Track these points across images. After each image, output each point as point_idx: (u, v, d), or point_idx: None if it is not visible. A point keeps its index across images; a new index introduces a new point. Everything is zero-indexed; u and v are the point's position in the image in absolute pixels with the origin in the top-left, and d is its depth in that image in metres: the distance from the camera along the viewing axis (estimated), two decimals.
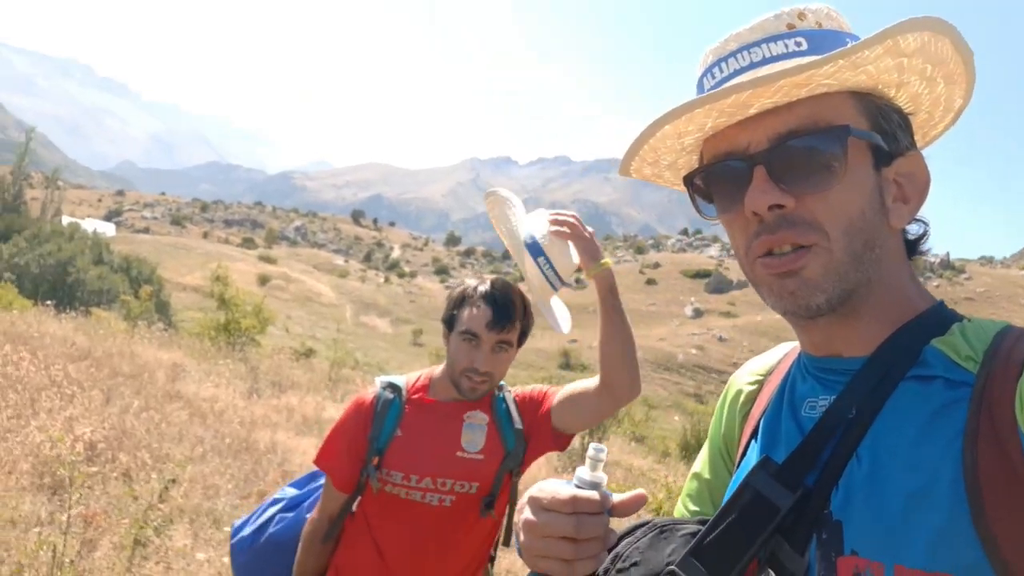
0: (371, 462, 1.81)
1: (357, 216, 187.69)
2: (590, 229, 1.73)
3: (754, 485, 0.71)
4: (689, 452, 13.42)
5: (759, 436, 0.85)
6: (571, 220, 1.70)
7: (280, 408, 9.02)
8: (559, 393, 1.87)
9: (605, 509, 0.77)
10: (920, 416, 0.67)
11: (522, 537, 0.79)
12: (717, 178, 0.78)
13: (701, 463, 1.00)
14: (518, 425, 1.85)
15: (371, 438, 1.82)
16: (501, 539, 1.89)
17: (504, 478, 1.84)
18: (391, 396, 1.86)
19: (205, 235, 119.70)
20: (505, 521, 1.86)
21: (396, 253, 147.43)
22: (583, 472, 0.78)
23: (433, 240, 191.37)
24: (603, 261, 1.69)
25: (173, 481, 4.39)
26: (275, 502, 2.11)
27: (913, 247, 0.80)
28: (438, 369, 1.94)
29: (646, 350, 52.66)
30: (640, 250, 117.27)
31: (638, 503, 0.78)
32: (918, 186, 0.77)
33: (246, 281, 51.26)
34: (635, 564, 0.74)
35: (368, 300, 71.73)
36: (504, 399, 1.90)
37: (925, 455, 0.65)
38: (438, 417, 1.85)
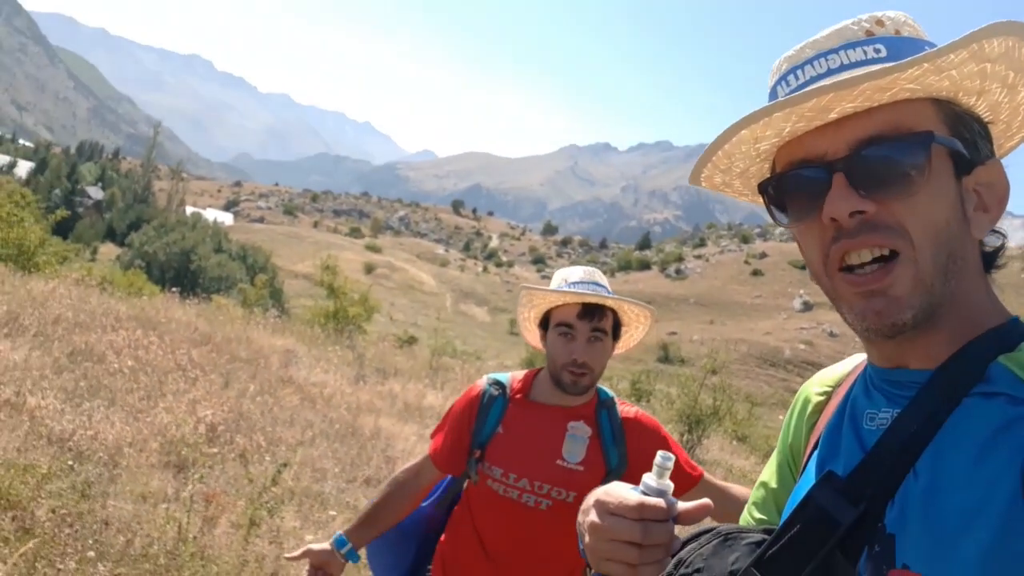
0: (473, 454, 1.86)
1: (457, 206, 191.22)
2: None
3: (817, 499, 0.71)
4: None
5: (819, 447, 0.85)
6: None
7: (384, 394, 9.31)
8: (710, 478, 1.86)
9: (671, 516, 0.78)
10: (981, 433, 0.66)
11: (587, 538, 0.81)
12: (793, 185, 0.76)
13: (768, 472, 0.99)
14: (622, 446, 1.84)
15: (474, 431, 1.86)
16: None
17: None
18: (496, 393, 1.89)
19: (315, 224, 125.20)
20: None
21: (494, 242, 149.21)
22: (650, 479, 0.79)
23: (530, 229, 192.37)
24: None
25: (285, 465, 4.60)
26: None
27: (991, 259, 0.77)
28: (541, 372, 1.94)
29: (751, 344, 50.93)
30: (746, 239, 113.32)
31: (703, 511, 0.79)
32: (998, 195, 0.75)
33: (353, 270, 53.27)
34: (698, 571, 0.74)
35: (467, 289, 73.03)
36: (608, 415, 1.88)
37: (983, 473, 0.64)
38: (540, 420, 1.86)
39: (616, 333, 1.89)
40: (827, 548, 0.69)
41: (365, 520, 1.94)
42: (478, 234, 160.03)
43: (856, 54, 0.73)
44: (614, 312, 1.87)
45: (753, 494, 1.00)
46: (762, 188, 0.81)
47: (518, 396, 1.90)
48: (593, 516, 0.80)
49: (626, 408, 1.93)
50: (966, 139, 0.73)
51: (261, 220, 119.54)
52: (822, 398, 0.92)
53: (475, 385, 1.96)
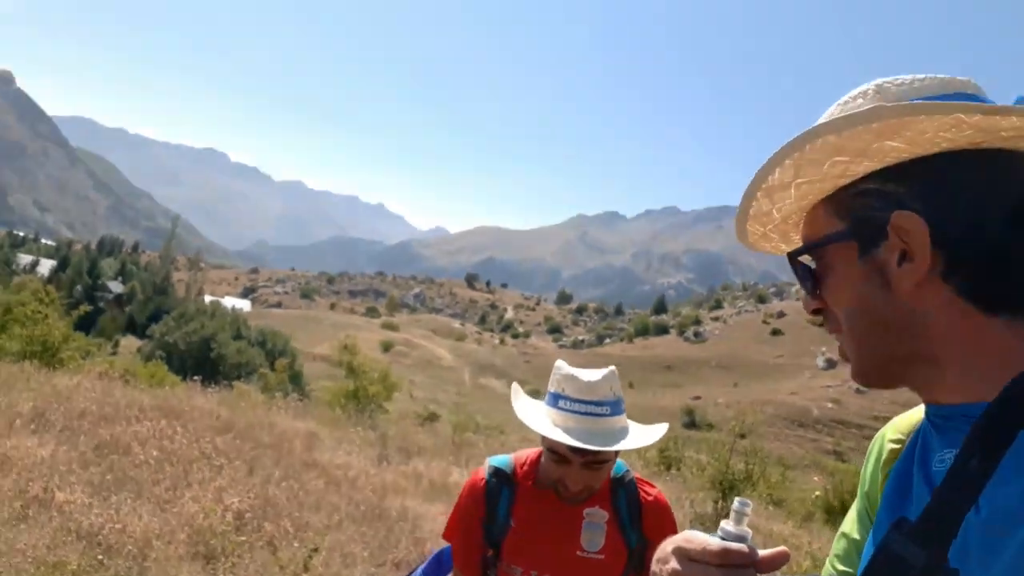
0: (487, 552, 1.74)
1: (471, 280, 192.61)
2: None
3: (890, 546, 0.73)
4: (833, 516, 12.47)
5: (886, 493, 0.87)
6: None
7: (408, 474, 9.17)
8: None
9: (752, 562, 0.77)
10: None
11: None
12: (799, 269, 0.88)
13: (849, 522, 0.99)
14: (639, 524, 1.74)
15: (486, 525, 1.74)
16: None
17: None
18: (500, 482, 1.76)
19: (332, 306, 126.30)
20: None
21: (509, 314, 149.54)
22: (728, 525, 0.79)
23: (544, 299, 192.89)
24: None
25: (316, 550, 4.51)
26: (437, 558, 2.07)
27: (982, 286, 0.73)
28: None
29: (777, 405, 49.97)
30: (762, 299, 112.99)
31: (783, 559, 0.79)
32: (918, 241, 0.74)
33: (370, 348, 53.43)
34: None
35: (485, 362, 72.79)
36: (626, 495, 1.77)
37: None
38: (553, 509, 1.72)
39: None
40: None
41: None
42: (493, 306, 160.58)
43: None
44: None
45: (835, 545, 1.00)
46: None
47: (527, 483, 1.76)
48: (673, 563, 0.79)
49: (646, 489, 1.81)
50: (862, 218, 0.77)
51: (279, 305, 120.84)
52: (897, 446, 0.93)
53: (475, 476, 1.81)
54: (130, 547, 4.48)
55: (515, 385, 1.85)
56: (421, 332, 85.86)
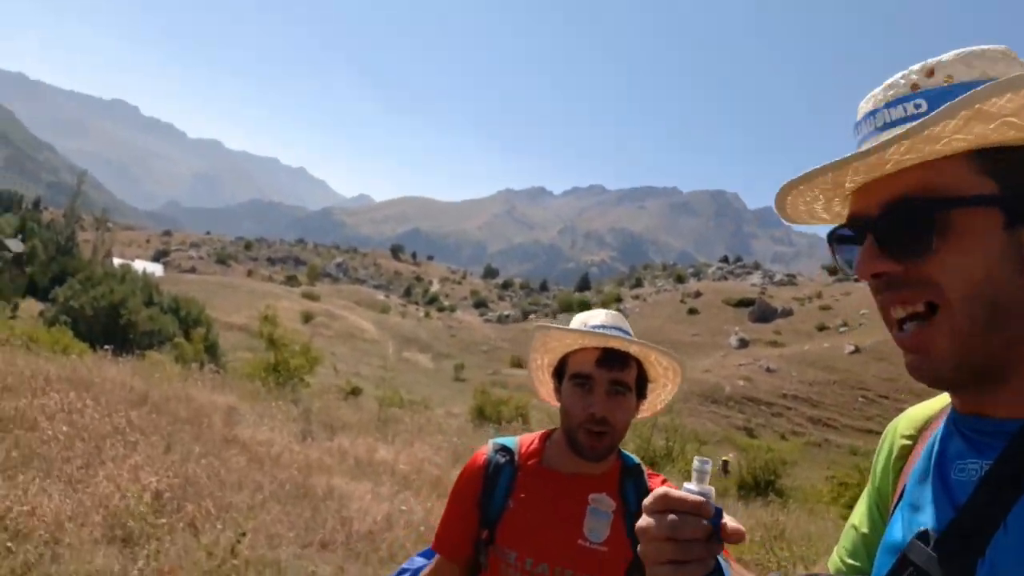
0: (481, 535, 1.62)
1: (396, 251, 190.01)
2: None
3: (912, 559, 0.71)
4: (747, 490, 13.04)
5: (906, 494, 0.84)
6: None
7: (333, 451, 9.03)
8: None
9: (704, 514, 0.77)
10: None
11: (639, 547, 0.80)
12: (840, 240, 0.82)
13: (858, 515, 0.98)
14: None
15: (482, 505, 1.63)
16: None
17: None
18: (503, 460, 1.65)
19: (249, 273, 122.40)
20: None
21: (435, 287, 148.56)
22: (690, 485, 0.80)
23: (471, 273, 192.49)
24: None
25: (244, 535, 4.38)
26: (402, 572, 1.93)
27: None
28: (555, 432, 1.72)
29: (692, 382, 51.66)
30: (680, 279, 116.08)
31: (741, 535, 0.78)
32: None
33: (290, 319, 52.11)
34: None
35: (410, 335, 72.18)
36: (636, 486, 1.64)
37: None
38: (556, 492, 1.61)
39: (641, 390, 1.64)
40: None
41: None
42: (418, 279, 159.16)
43: (897, 112, 0.74)
44: (639, 365, 1.62)
45: (843, 538, 0.99)
46: (828, 237, 0.85)
47: (530, 463, 1.66)
48: (638, 522, 0.80)
49: (655, 480, 1.69)
50: (1016, 189, 0.71)
51: (193, 270, 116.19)
52: (909, 442, 0.91)
53: (478, 453, 1.71)
54: (40, 531, 4.23)
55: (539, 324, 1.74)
56: (343, 303, 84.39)
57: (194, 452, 6.94)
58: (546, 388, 1.75)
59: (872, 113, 0.77)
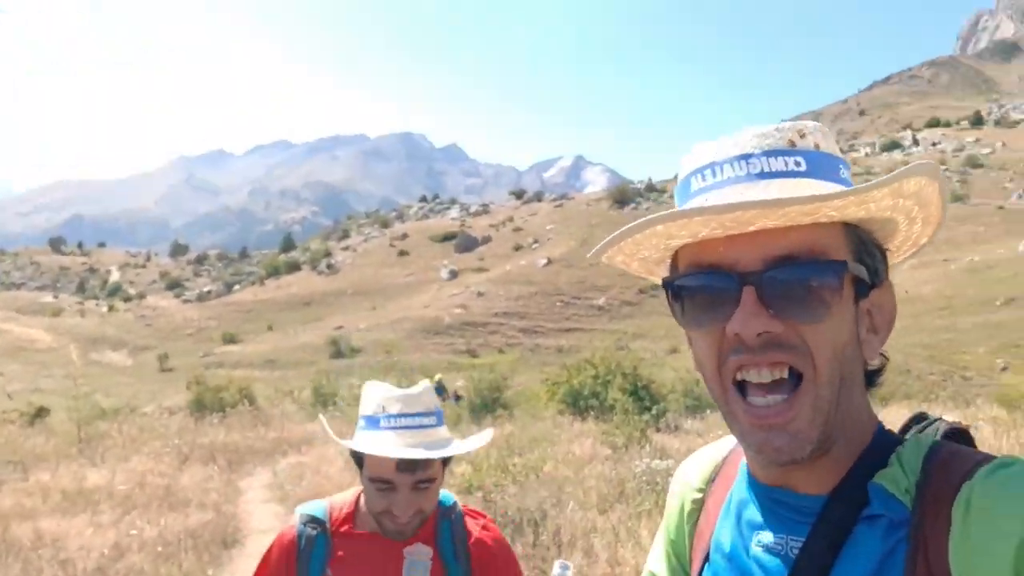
0: None
1: (57, 244, 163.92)
2: None
3: None
4: (477, 411, 14.06)
5: (711, 568, 0.84)
6: None
7: (32, 490, 7.88)
8: None
9: None
10: (872, 563, 0.68)
11: None
12: (699, 290, 0.75)
13: (656, 560, 1.00)
14: (465, 563, 1.60)
15: None
16: None
17: None
18: (313, 532, 1.59)
19: None
20: None
21: (115, 276, 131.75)
22: None
23: (156, 253, 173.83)
24: None
25: None
26: None
27: (872, 378, 0.78)
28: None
29: (413, 320, 53.21)
30: (385, 224, 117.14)
31: None
32: (887, 317, 0.78)
33: None
34: None
35: (94, 335, 63.61)
36: (451, 526, 1.63)
37: None
38: (372, 554, 1.58)
39: (446, 461, 1.61)
40: None
41: None
42: (92, 270, 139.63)
43: (778, 163, 0.73)
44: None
45: None
46: (666, 284, 0.80)
47: (343, 529, 1.61)
48: None
49: (472, 522, 1.68)
50: (868, 265, 0.74)
51: None
52: (699, 495, 0.93)
53: (285, 531, 1.64)
54: None
55: (321, 418, 1.68)
56: (1, 315, 71.23)
57: None
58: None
59: (745, 157, 0.73)
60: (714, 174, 0.75)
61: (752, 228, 0.70)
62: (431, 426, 1.55)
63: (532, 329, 51.42)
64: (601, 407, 13.28)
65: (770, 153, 0.73)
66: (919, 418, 0.80)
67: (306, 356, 45.48)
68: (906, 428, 0.80)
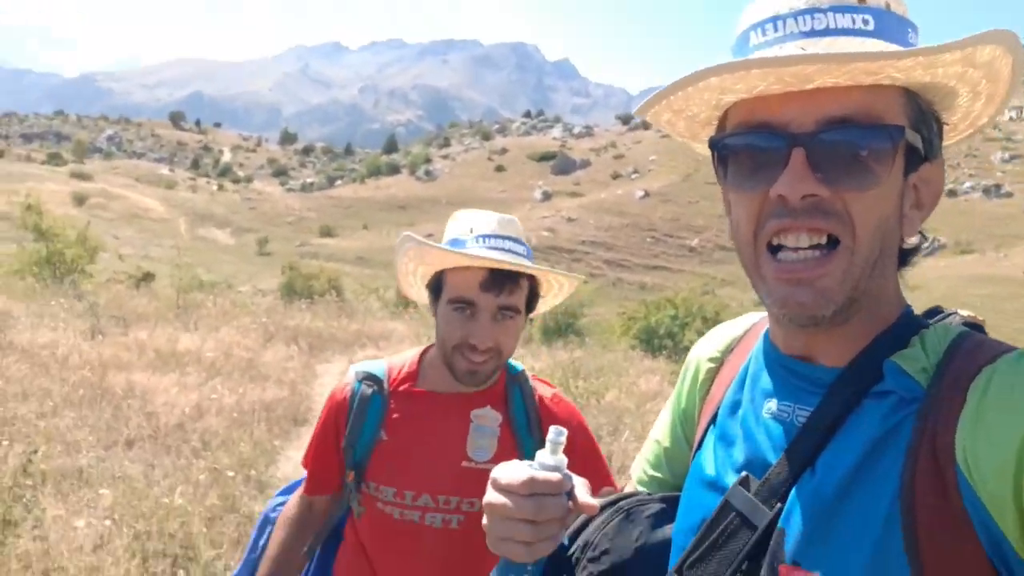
0: (347, 477, 1.46)
1: (176, 119, 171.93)
2: None
3: (734, 504, 0.73)
4: (550, 334, 14.13)
5: (719, 425, 0.84)
6: None
7: (130, 345, 8.50)
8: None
9: (564, 491, 0.76)
10: (874, 434, 0.67)
11: (484, 519, 0.78)
12: (746, 148, 0.72)
13: (661, 430, 1.00)
14: (538, 432, 1.45)
15: (345, 447, 1.45)
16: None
17: None
18: (370, 391, 1.46)
19: (1, 154, 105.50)
20: None
21: (227, 157, 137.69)
22: (543, 456, 0.77)
23: (266, 139, 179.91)
24: None
25: (36, 452, 4.14)
26: (264, 524, 1.72)
27: (906, 257, 0.76)
28: (430, 350, 1.53)
29: None
30: (486, 136, 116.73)
31: (591, 509, 0.77)
32: (934, 193, 0.75)
33: (60, 202, 46.22)
34: (606, 552, 0.75)
35: (203, 211, 67.19)
36: (521, 392, 1.50)
37: (871, 474, 0.65)
38: (435, 415, 1.45)
39: (530, 304, 1.46)
40: (744, 553, 0.70)
41: None
42: (206, 148, 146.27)
43: (845, 20, 0.68)
44: (531, 281, 1.43)
45: (646, 448, 1.02)
46: (712, 143, 0.76)
47: (402, 388, 1.48)
48: (487, 495, 0.77)
49: (542, 387, 1.55)
50: (924, 136, 0.71)
51: None
52: (713, 365, 0.91)
53: (340, 386, 1.51)
54: None
55: (408, 233, 1.44)
56: (122, 181, 75.98)
57: None
58: (417, 292, 1.54)
59: (811, 11, 0.69)
60: (775, 28, 0.70)
61: (811, 85, 0.66)
62: (521, 255, 1.39)
63: (617, 262, 50.92)
64: (675, 347, 13.11)
65: (838, 9, 0.69)
66: (933, 312, 0.78)
67: (390, 262, 46.79)
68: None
